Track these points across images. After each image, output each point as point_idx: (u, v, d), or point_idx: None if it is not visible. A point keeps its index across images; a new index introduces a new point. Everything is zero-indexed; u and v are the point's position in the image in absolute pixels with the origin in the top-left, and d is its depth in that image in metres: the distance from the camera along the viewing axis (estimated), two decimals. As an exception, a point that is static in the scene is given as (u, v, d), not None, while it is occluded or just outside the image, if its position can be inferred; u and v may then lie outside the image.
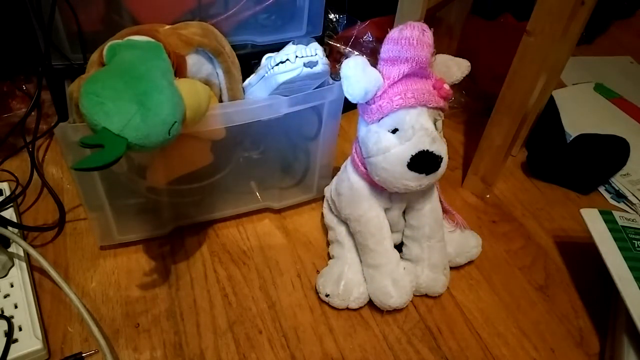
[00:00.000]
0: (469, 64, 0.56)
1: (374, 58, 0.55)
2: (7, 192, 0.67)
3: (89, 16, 0.58)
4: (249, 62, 0.63)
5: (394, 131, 0.52)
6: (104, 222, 0.61)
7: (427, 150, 0.51)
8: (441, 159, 0.53)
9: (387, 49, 0.52)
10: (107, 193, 0.57)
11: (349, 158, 0.61)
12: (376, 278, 0.58)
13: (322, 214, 0.67)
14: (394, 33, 0.52)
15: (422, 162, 0.51)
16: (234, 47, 0.59)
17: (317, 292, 0.61)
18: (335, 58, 0.88)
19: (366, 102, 0.54)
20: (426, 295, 0.62)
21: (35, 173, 0.69)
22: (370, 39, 0.91)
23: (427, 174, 0.53)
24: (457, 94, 0.93)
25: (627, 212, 0.77)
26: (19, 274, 0.57)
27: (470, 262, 0.66)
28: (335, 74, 0.57)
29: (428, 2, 0.72)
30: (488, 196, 0.77)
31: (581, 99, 1.00)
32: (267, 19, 0.66)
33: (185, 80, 0.51)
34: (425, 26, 0.51)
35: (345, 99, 0.55)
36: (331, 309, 0.60)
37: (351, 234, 0.62)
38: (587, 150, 0.82)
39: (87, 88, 0.43)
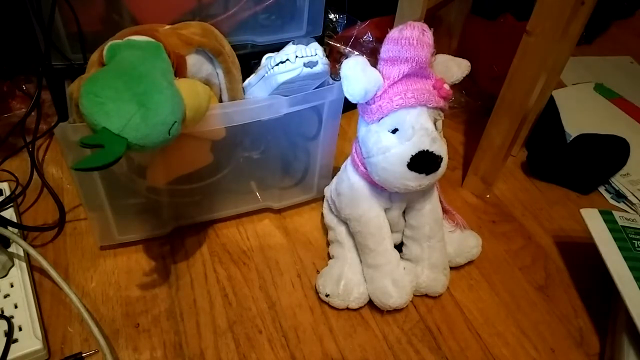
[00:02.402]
0: (469, 64, 0.56)
1: (374, 58, 0.55)
2: (7, 192, 0.67)
3: (89, 16, 0.58)
4: (249, 62, 0.63)
5: (394, 131, 0.52)
6: (104, 222, 0.61)
7: (427, 150, 0.51)
8: (441, 159, 0.53)
9: (387, 49, 0.52)
10: (107, 193, 0.57)
11: (349, 158, 0.60)
12: (376, 278, 0.58)
13: (322, 214, 0.67)
14: (394, 33, 0.52)
15: (422, 162, 0.51)
16: (234, 47, 0.59)
17: (317, 292, 0.61)
18: (335, 58, 0.88)
19: (366, 102, 0.54)
20: (426, 295, 0.62)
21: (35, 173, 0.69)
22: (370, 39, 0.91)
23: (427, 174, 0.52)
24: (457, 94, 0.93)
25: (627, 212, 0.77)
26: (19, 274, 0.57)
27: (470, 262, 0.66)
28: (335, 74, 0.57)
29: (428, 2, 0.72)
30: (488, 196, 0.77)
31: (581, 99, 1.00)
32: (267, 19, 0.66)
33: (185, 80, 0.51)
34: (425, 26, 0.51)
35: (345, 99, 0.55)
36: (331, 309, 0.60)
37: (351, 234, 0.62)
38: (587, 150, 0.82)
39: (87, 88, 0.43)
